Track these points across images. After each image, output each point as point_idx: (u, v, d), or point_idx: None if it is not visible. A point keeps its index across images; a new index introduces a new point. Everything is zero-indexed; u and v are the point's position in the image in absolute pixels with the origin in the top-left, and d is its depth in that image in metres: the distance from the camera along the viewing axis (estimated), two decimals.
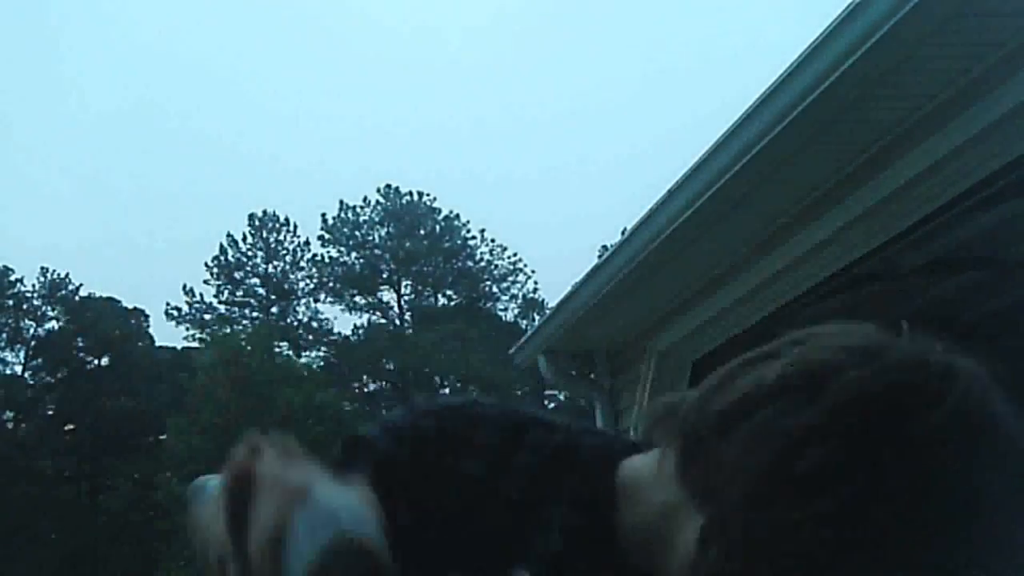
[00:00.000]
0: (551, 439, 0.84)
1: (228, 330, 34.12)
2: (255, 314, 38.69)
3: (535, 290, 40.14)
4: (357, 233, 39.72)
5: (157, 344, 37.58)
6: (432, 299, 40.36)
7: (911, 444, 0.62)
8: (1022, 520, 0.63)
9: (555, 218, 53.86)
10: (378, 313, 39.82)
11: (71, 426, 35.58)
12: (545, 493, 0.81)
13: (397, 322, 39.52)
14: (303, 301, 39.72)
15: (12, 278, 36.73)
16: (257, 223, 38.99)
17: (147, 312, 37.74)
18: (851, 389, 0.64)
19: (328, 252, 39.58)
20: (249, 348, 29.31)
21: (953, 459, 0.62)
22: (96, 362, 36.66)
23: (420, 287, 40.32)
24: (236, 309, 38.95)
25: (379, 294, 39.90)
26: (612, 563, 0.78)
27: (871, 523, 0.61)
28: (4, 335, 36.20)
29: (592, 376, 6.40)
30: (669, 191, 4.29)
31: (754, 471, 0.64)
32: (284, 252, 39.34)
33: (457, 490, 0.82)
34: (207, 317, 37.96)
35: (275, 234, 39.27)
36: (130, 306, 37.47)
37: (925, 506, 0.61)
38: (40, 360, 36.53)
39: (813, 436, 0.63)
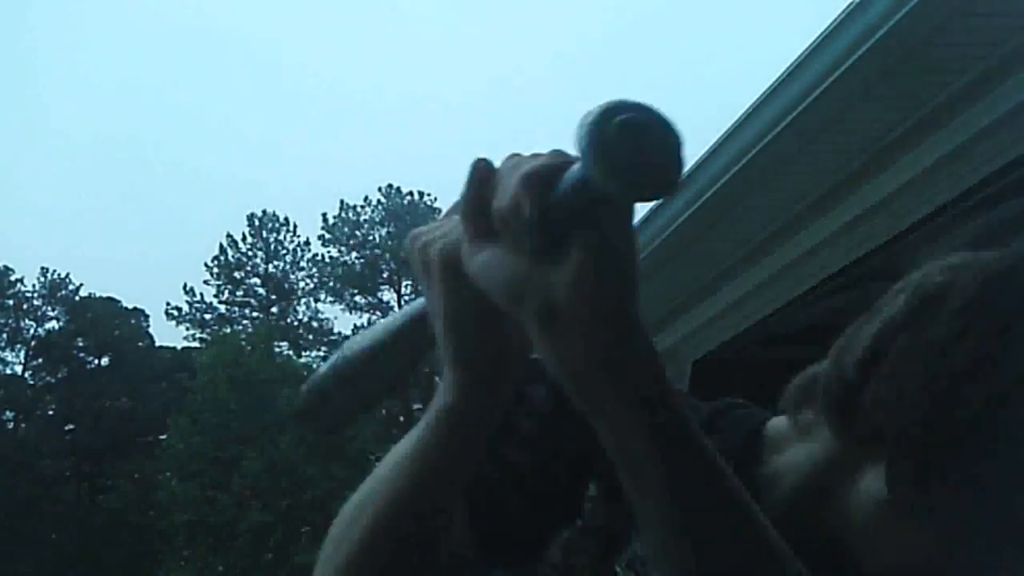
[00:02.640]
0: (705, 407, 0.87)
1: (228, 330, 34.13)
2: (255, 314, 38.69)
3: None
4: (357, 233, 39.72)
5: (157, 344, 37.59)
6: None
7: None
8: None
9: None
10: (378, 313, 39.80)
11: (71, 426, 35.58)
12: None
13: None
14: (303, 301, 39.74)
15: (12, 278, 36.74)
16: (257, 223, 39.00)
17: (147, 312, 37.78)
18: (969, 289, 0.68)
19: (328, 252, 39.60)
20: (249, 348, 29.31)
21: None
22: (96, 362, 36.66)
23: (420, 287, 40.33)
24: (236, 309, 38.96)
25: (379, 294, 39.91)
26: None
27: None
28: (4, 335, 36.21)
29: None
30: None
31: (913, 391, 0.67)
32: (284, 252, 39.35)
33: None
34: (207, 317, 37.97)
35: (275, 234, 39.27)
36: (130, 306, 37.50)
37: None
38: (40, 360, 36.53)
39: (954, 336, 0.67)
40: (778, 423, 0.82)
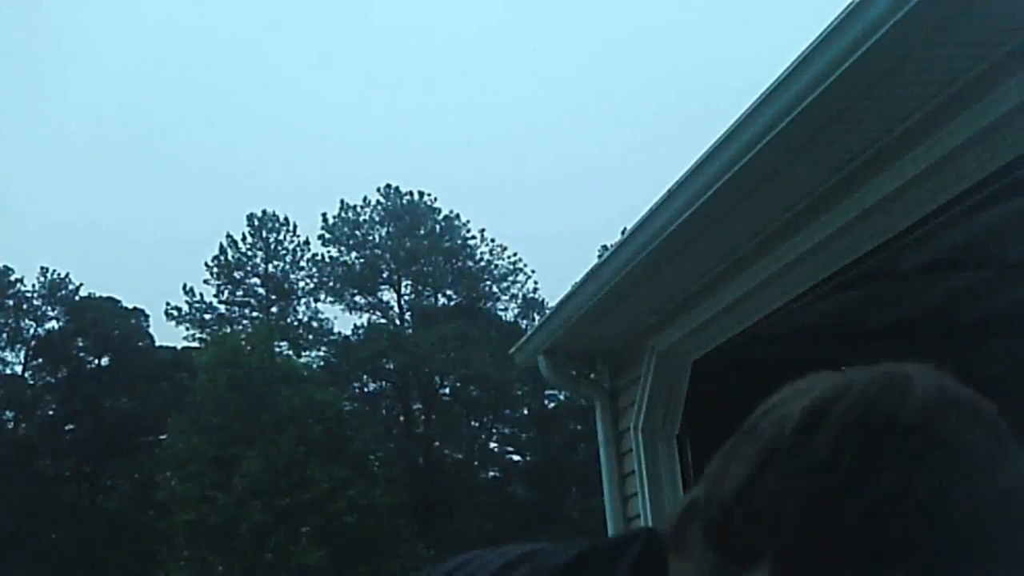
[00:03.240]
0: None
1: (228, 330, 34.13)
2: (255, 314, 38.69)
3: (535, 290, 40.19)
4: (357, 233, 39.72)
5: (157, 344, 37.60)
6: (432, 299, 40.36)
7: (908, 428, 0.71)
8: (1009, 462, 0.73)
9: (555, 218, 53.87)
10: (378, 313, 39.84)
11: (71, 426, 35.59)
12: None
13: (397, 322, 39.52)
14: (303, 301, 39.76)
15: (12, 278, 36.75)
16: (257, 223, 39.01)
17: (147, 312, 37.78)
18: (850, 407, 0.72)
19: (328, 252, 39.62)
20: (249, 348, 29.32)
21: (945, 428, 0.71)
22: (96, 362, 36.66)
23: (420, 287, 40.32)
24: (236, 309, 38.97)
25: (379, 294, 39.92)
26: None
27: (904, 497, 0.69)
28: (4, 335, 36.22)
29: (592, 376, 6.40)
30: (669, 191, 4.29)
31: (799, 502, 0.71)
32: (284, 252, 39.36)
33: None
34: (207, 317, 37.98)
35: (275, 234, 39.28)
36: (130, 306, 37.50)
37: (933, 472, 0.70)
38: (40, 360, 36.54)
39: (831, 453, 0.71)
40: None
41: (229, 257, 38.78)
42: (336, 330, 39.41)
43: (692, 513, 0.82)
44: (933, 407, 0.72)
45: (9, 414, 35.42)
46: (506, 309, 40.71)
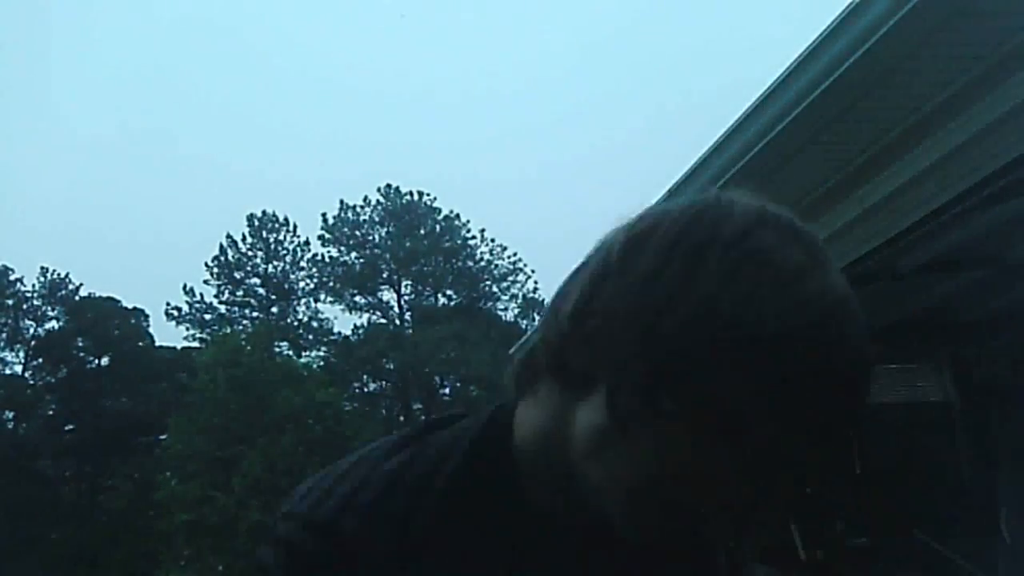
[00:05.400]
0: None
1: (228, 330, 34.11)
2: (255, 314, 38.68)
3: (535, 290, 40.15)
4: (357, 233, 39.71)
5: (157, 344, 37.59)
6: (432, 299, 40.34)
7: (727, 243, 0.74)
8: None
9: (555, 218, 53.87)
10: (378, 313, 39.82)
11: (71, 426, 35.58)
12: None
13: (397, 322, 39.51)
14: (303, 301, 39.73)
15: (12, 278, 36.74)
16: (257, 223, 38.99)
17: (147, 312, 37.77)
18: (671, 225, 0.76)
19: (328, 252, 39.60)
20: (249, 348, 29.30)
21: (762, 242, 0.74)
22: (96, 362, 36.66)
23: (420, 287, 40.31)
24: (236, 309, 38.95)
25: (379, 294, 39.91)
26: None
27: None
28: (4, 335, 36.21)
29: None
30: (669, 191, 4.29)
31: (623, 324, 0.73)
32: (284, 252, 39.34)
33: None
34: (207, 317, 37.96)
35: (275, 234, 39.26)
36: (130, 306, 37.49)
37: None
38: (40, 360, 36.53)
39: (655, 269, 0.74)
40: (519, 416, 0.87)
41: (229, 257, 38.77)
42: (336, 330, 39.42)
43: (533, 356, 0.84)
44: (752, 223, 0.75)
45: (9, 414, 35.41)
46: (506, 309, 40.71)
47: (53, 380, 36.30)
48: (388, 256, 39.64)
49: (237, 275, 38.85)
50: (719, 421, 0.71)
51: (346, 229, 39.61)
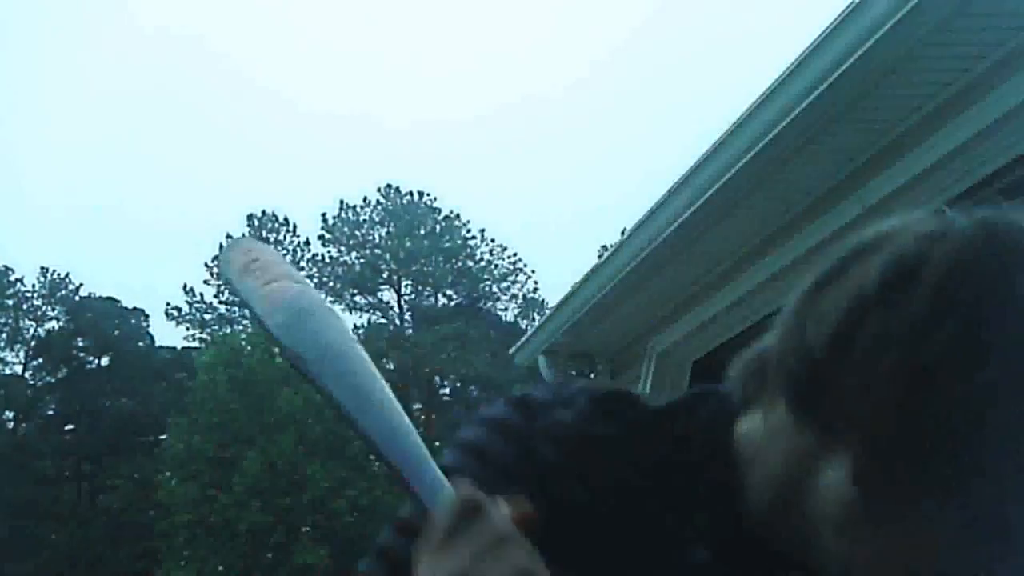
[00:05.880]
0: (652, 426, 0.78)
1: (228, 330, 34.11)
2: None
3: (535, 290, 40.15)
4: (357, 233, 39.71)
5: (157, 344, 37.59)
6: (432, 299, 40.34)
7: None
8: None
9: (555, 218, 53.87)
10: (378, 313, 39.82)
11: (71, 426, 35.58)
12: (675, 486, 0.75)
13: (397, 322, 39.51)
14: None
15: (12, 278, 36.74)
16: (256, 223, 39.00)
17: (147, 312, 37.78)
18: (944, 266, 0.60)
19: (328, 252, 39.59)
20: (249, 348, 29.29)
21: None
22: (96, 362, 36.65)
23: (420, 287, 40.31)
24: (236, 309, 38.93)
25: (379, 294, 39.90)
26: (761, 562, 0.71)
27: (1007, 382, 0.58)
28: (4, 335, 36.20)
29: (592, 376, 6.40)
30: (669, 191, 4.29)
31: (887, 377, 0.59)
32: (284, 252, 39.30)
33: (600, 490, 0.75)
34: (207, 317, 37.97)
35: (275, 234, 39.25)
36: (130, 306, 37.49)
37: None
38: (40, 360, 36.52)
39: (931, 321, 0.59)
40: (749, 431, 0.75)
41: None
42: None
43: (763, 366, 0.71)
44: None
45: (9, 414, 35.39)
46: (506, 309, 40.71)
47: (53, 380, 36.29)
48: (388, 256, 39.64)
49: None
50: (1000, 520, 0.58)
51: (346, 229, 39.61)
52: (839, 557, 0.64)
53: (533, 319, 34.88)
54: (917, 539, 0.60)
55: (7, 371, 35.89)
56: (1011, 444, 0.56)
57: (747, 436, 0.73)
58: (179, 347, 36.87)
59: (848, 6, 3.01)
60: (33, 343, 36.59)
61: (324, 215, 39.60)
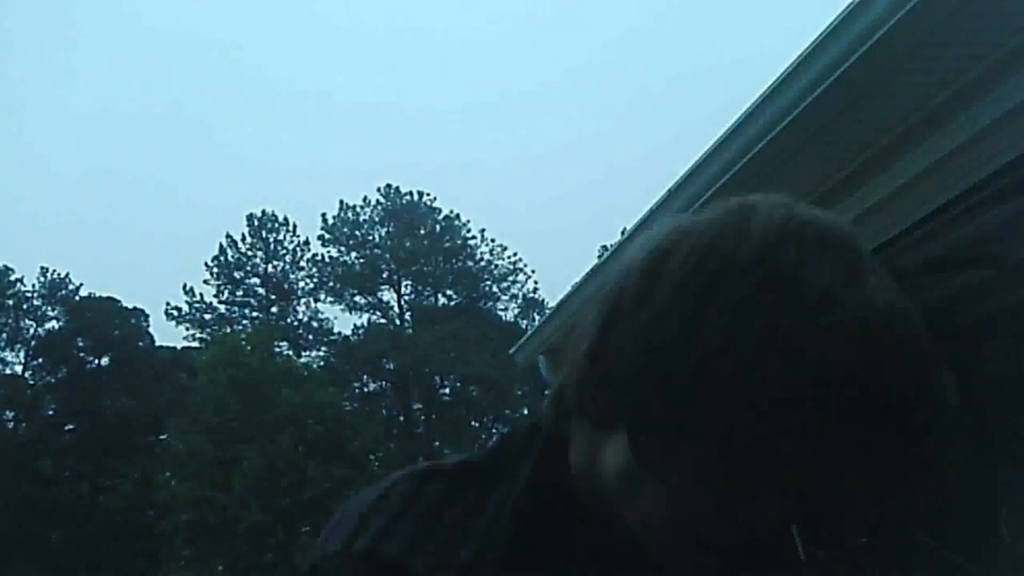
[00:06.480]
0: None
1: (228, 330, 34.12)
2: (255, 314, 38.69)
3: (535, 290, 40.19)
4: (357, 233, 39.72)
5: (157, 344, 37.60)
6: (432, 299, 40.35)
7: (743, 269, 0.66)
8: None
9: (555, 218, 53.90)
10: (378, 313, 39.83)
11: (71, 426, 35.59)
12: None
13: (397, 322, 39.51)
14: (303, 301, 39.75)
15: (12, 278, 36.76)
16: (257, 223, 39.01)
17: (147, 312, 37.80)
18: (688, 253, 0.68)
19: (328, 252, 39.62)
20: (249, 348, 29.30)
21: (783, 263, 0.66)
22: (96, 362, 36.67)
23: (420, 287, 40.32)
24: (236, 309, 38.95)
25: (379, 294, 39.91)
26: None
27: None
28: (4, 335, 36.23)
29: None
30: (669, 191, 4.29)
31: (640, 362, 0.68)
32: (284, 252, 39.35)
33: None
34: (207, 317, 37.97)
35: (275, 234, 39.27)
36: (130, 306, 37.51)
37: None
38: (40, 360, 36.55)
39: (667, 305, 0.68)
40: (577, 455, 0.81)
41: (229, 257, 38.77)
42: (336, 330, 39.43)
43: (567, 384, 0.79)
44: (773, 241, 0.66)
45: (9, 414, 35.42)
46: (506, 309, 40.74)
47: (53, 380, 36.31)
48: (388, 256, 39.65)
49: (237, 275, 38.85)
50: (746, 467, 0.65)
51: (346, 229, 39.62)
52: (637, 527, 0.73)
53: (533, 319, 34.90)
54: (685, 484, 0.68)
55: (7, 371, 35.94)
56: (731, 402, 0.64)
57: (579, 466, 0.80)
58: (179, 347, 36.92)
59: (848, 6, 3.01)
60: (33, 343, 36.61)
61: (324, 215, 39.64)
